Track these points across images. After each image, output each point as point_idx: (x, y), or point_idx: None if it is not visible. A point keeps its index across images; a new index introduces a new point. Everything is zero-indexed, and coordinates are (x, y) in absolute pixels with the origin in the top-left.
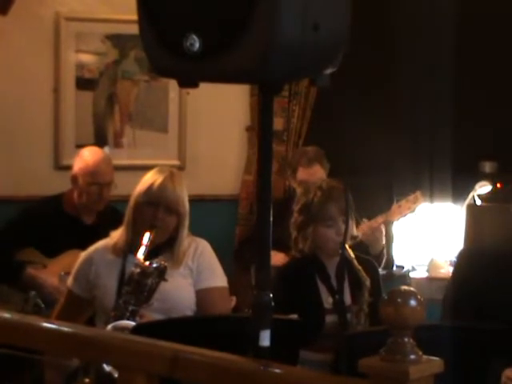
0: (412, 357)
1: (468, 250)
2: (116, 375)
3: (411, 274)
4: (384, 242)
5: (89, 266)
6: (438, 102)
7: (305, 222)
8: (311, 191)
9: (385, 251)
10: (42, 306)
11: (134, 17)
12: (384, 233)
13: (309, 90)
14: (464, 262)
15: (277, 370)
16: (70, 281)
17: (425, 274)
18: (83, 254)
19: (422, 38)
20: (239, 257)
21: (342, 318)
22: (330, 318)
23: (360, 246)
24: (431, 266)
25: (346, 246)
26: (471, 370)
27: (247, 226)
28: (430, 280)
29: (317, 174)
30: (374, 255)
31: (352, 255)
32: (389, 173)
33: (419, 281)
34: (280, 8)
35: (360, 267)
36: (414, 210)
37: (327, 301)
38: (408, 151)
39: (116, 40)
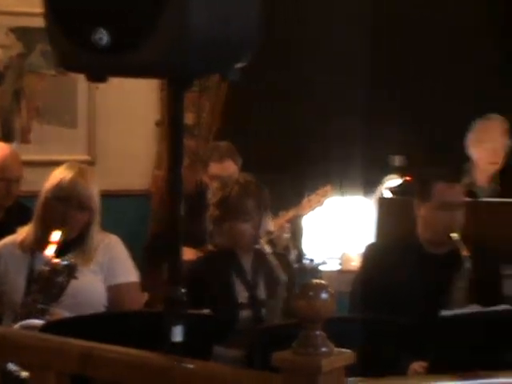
0: (324, 349)
1: (377, 244)
2: (22, 374)
3: (323, 268)
4: (288, 237)
5: None
6: (349, 98)
7: (221, 216)
8: (228, 185)
9: (290, 246)
10: None
11: (39, 9)
12: (288, 229)
13: (219, 85)
14: (373, 255)
15: (190, 366)
16: None
17: (336, 267)
18: None
19: (335, 34)
20: (150, 252)
21: (256, 312)
22: (244, 313)
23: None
24: (343, 259)
25: (262, 241)
26: (380, 363)
27: (159, 222)
28: (342, 273)
29: (229, 168)
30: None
31: (268, 250)
32: (300, 167)
33: (331, 274)
34: (190, 2)
35: (276, 262)
36: (322, 204)
37: (242, 295)
38: (319, 146)
39: (21, 33)
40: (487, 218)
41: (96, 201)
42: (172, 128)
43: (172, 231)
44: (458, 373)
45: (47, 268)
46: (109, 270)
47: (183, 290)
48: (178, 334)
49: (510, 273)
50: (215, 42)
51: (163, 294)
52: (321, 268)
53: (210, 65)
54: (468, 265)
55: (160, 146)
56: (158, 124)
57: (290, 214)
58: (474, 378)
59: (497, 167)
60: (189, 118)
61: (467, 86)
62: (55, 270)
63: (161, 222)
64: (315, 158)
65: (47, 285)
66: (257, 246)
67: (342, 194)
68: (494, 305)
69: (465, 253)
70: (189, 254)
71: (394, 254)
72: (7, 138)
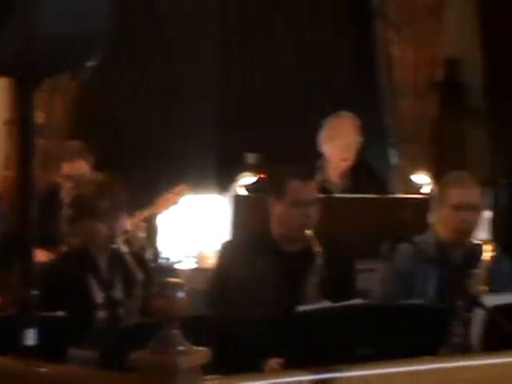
0: (180, 348)
1: (232, 242)
2: None
3: (179, 266)
4: (144, 237)
5: None
6: (203, 97)
7: (76, 216)
8: (82, 185)
9: (146, 245)
10: None
11: None
12: (143, 228)
13: (70, 83)
14: (228, 253)
15: (43, 369)
16: None
17: (193, 266)
18: None
19: (186, 31)
20: (0, 254)
21: (113, 312)
22: (101, 314)
23: None
24: (199, 257)
25: (118, 241)
26: (237, 360)
27: (9, 223)
28: (199, 271)
29: (81, 168)
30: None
31: (124, 250)
32: (155, 166)
33: (187, 272)
34: (39, 1)
35: (132, 261)
36: (177, 203)
37: (98, 296)
38: (173, 144)
39: None
40: (340, 214)
41: None
42: (22, 128)
43: (23, 232)
44: (313, 368)
45: None
46: None
47: (36, 292)
48: (30, 338)
49: (364, 267)
50: (64, 41)
51: (15, 297)
52: (177, 267)
53: (60, 64)
54: (320, 261)
55: (9, 145)
56: (6, 123)
57: (146, 213)
58: (327, 372)
59: (348, 164)
60: (39, 118)
61: (320, 83)
62: None
63: (11, 223)
64: (170, 157)
65: None
66: (113, 246)
67: (197, 192)
68: (348, 299)
69: (317, 249)
70: (42, 256)
71: (250, 251)
72: None
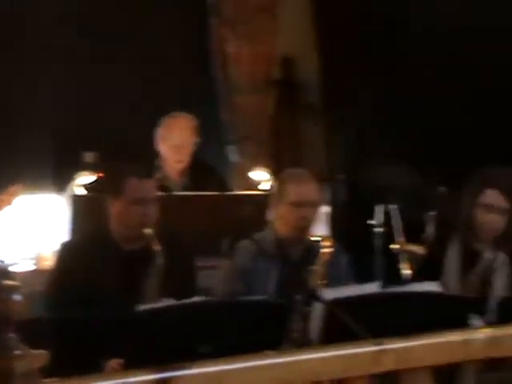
0: (17, 352)
1: (71, 242)
2: None
3: (15, 268)
4: None
5: None
6: (38, 95)
7: None
8: None
9: None
10: None
11: None
12: None
13: None
14: (67, 253)
15: None
16: None
17: (30, 267)
18: None
19: (34, 35)
20: None
21: None
22: None
23: None
24: (37, 258)
25: None
26: (77, 362)
27: None
28: (37, 273)
29: None
30: None
31: None
32: None
33: (25, 274)
34: None
35: None
36: (11, 203)
37: None
38: (8, 143)
39: None
40: (180, 212)
41: None
42: None
43: None
44: (154, 367)
45: None
46: None
47: None
48: None
49: (205, 265)
50: None
51: None
52: (13, 269)
53: None
54: (160, 259)
55: None
56: None
57: None
58: (169, 371)
59: (183, 165)
60: None
61: (156, 81)
62: None
63: None
64: (3, 156)
65: None
66: None
67: (33, 192)
68: (190, 297)
69: (157, 247)
70: None
71: (89, 251)
72: None
